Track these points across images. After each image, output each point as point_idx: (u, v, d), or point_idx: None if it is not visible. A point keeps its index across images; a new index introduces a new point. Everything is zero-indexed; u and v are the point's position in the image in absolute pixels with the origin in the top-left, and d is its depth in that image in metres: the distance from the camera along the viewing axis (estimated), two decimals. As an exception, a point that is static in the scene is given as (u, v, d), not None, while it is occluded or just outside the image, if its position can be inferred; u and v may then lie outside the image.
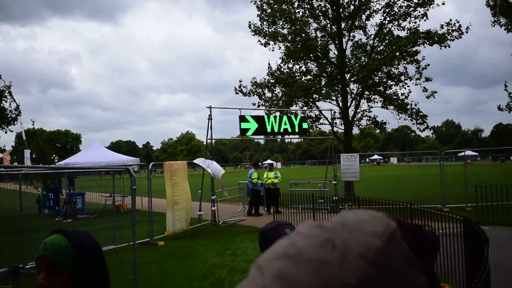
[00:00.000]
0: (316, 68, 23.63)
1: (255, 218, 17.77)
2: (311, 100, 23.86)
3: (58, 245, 1.73)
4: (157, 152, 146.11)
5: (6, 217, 16.91)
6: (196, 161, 16.24)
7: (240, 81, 23.71)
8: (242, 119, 17.12)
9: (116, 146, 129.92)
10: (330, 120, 22.31)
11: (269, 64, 23.96)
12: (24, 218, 11.44)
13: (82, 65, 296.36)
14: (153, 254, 11.65)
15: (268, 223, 2.29)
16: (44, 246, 1.74)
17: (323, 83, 23.57)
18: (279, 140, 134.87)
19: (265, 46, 23.59)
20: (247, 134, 17.54)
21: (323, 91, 22.89)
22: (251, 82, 23.84)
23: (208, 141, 16.99)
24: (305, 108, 23.82)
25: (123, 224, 14.04)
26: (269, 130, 17.85)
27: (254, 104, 23.68)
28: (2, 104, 23.48)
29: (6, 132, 23.76)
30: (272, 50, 24.16)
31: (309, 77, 23.67)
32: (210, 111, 16.74)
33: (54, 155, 30.58)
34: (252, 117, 17.55)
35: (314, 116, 23.76)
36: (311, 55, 22.71)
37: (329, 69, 23.23)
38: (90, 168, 17.54)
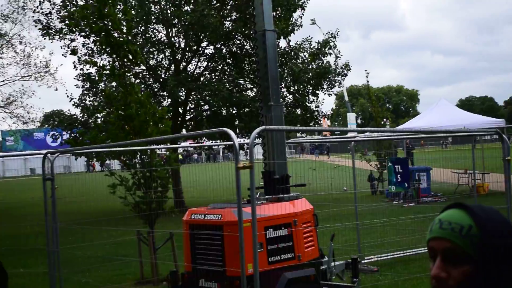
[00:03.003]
0: None
1: None
2: None
3: (459, 225, 1.74)
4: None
5: (335, 199, 17.80)
6: None
7: None
8: None
9: (467, 105, 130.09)
10: None
11: None
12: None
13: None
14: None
15: None
16: (440, 225, 1.78)
17: None
18: None
19: None
20: None
21: None
22: None
23: None
24: None
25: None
26: None
27: None
28: (324, 60, 25.02)
29: (330, 95, 26.44)
30: None
31: None
32: None
33: (386, 119, 31.94)
34: None
35: None
36: None
37: None
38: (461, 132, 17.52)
